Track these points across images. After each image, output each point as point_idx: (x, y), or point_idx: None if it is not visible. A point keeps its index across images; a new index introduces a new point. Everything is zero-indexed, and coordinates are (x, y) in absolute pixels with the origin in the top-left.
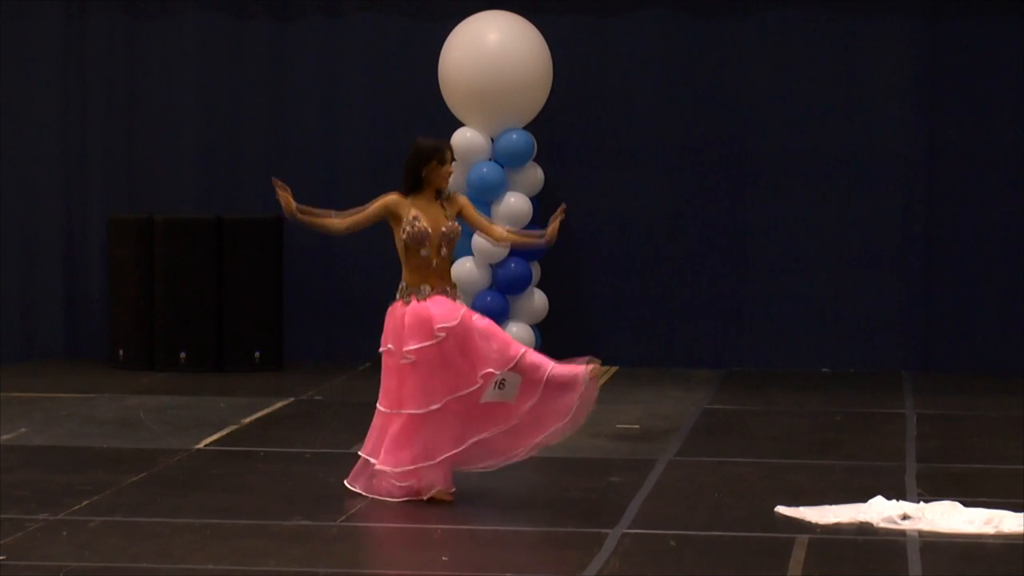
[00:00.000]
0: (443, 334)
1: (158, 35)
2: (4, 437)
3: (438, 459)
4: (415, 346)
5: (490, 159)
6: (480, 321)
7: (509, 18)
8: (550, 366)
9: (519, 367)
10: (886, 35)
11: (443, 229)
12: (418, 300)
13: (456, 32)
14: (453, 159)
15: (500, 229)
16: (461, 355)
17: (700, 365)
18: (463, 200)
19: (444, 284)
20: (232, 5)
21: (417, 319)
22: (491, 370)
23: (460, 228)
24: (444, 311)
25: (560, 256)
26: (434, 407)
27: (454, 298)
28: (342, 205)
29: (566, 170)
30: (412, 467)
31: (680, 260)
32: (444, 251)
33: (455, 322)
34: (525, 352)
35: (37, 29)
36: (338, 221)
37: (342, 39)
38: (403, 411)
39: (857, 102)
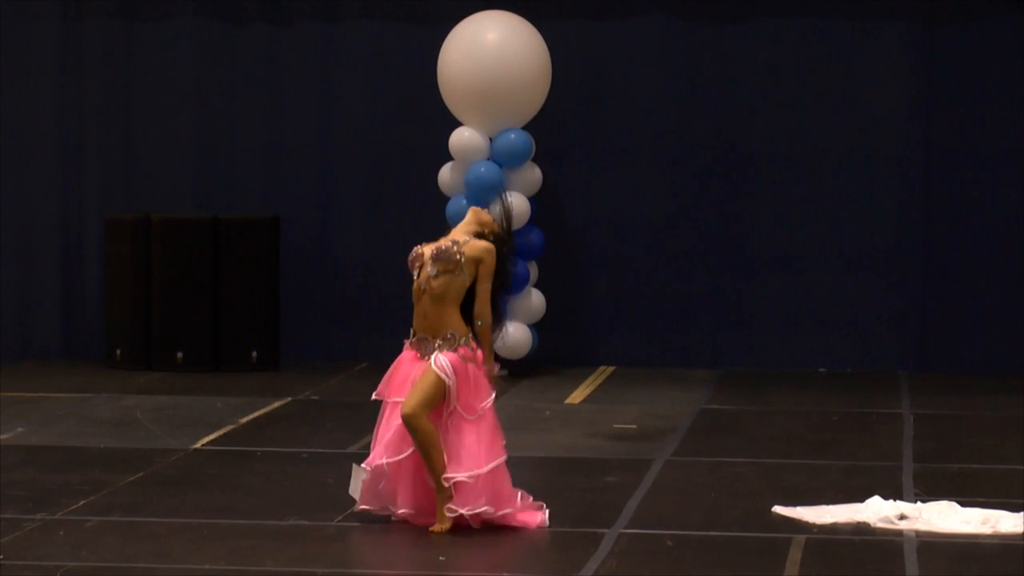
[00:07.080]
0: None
1: (155, 38)
2: (1, 437)
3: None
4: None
5: (488, 159)
6: (393, 410)
7: (508, 18)
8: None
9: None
10: (883, 38)
11: (431, 247)
12: (407, 346)
13: (455, 32)
14: (500, 236)
15: (484, 313)
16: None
17: (697, 365)
18: (487, 254)
19: (427, 332)
20: (228, 9)
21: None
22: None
23: (454, 255)
24: (388, 380)
25: (558, 256)
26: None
27: (426, 352)
28: (338, 205)
29: (564, 170)
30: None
31: (677, 260)
32: (434, 284)
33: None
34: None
35: (34, 31)
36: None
37: (339, 40)
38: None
39: (854, 104)
